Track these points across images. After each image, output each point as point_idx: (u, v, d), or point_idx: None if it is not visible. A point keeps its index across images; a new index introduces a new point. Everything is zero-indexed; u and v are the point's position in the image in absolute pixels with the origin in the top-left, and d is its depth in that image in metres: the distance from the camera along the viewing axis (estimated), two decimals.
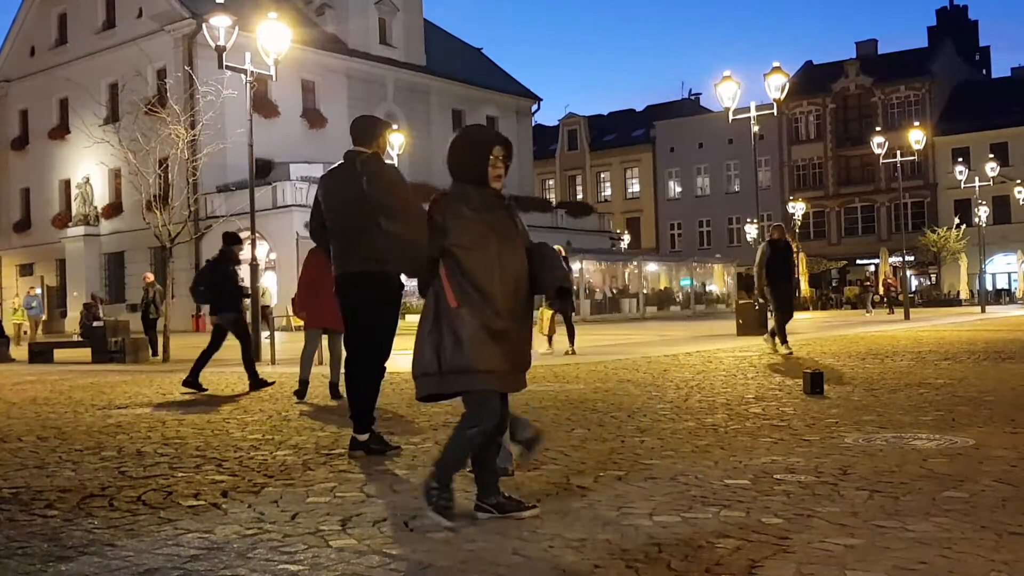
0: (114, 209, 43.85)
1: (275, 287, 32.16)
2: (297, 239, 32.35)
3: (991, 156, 48.68)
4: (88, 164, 40.27)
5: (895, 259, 46.58)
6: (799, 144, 64.81)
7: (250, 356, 10.52)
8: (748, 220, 52.36)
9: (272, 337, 15.49)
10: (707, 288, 49.14)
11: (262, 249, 29.55)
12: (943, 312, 37.73)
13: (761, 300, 17.61)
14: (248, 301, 13.46)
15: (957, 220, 55.53)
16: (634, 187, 72.20)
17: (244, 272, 12.80)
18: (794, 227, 49.94)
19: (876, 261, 53.16)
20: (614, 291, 43.50)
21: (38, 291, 32.03)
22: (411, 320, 26.63)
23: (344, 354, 6.32)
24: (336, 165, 5.90)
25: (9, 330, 26.03)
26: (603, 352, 15.54)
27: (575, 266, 37.05)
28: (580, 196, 70.71)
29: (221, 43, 16.49)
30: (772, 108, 24.75)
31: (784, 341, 13.89)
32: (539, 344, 13.41)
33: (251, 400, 9.24)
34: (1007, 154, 56.55)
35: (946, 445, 5.50)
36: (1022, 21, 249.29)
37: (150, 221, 18.41)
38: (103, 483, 4.94)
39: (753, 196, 28.37)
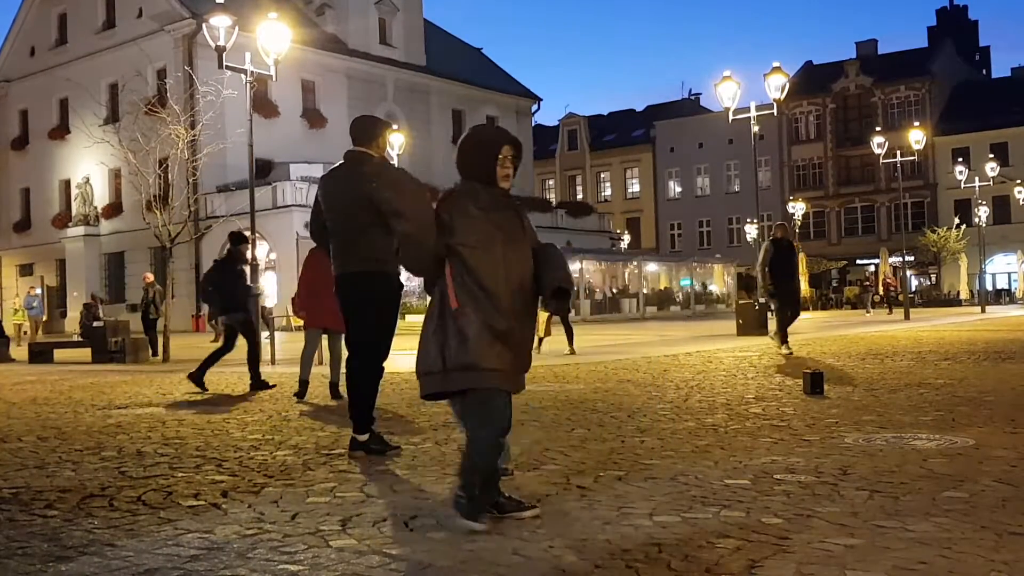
0: (114, 209, 43.87)
1: (275, 287, 32.14)
2: (297, 239, 32.35)
3: (991, 156, 48.67)
4: (88, 164, 40.29)
5: (895, 259, 46.57)
6: (799, 144, 64.82)
7: (256, 357, 10.53)
8: (748, 220, 52.35)
9: (272, 337, 15.49)
10: (707, 288, 49.14)
11: (262, 249, 29.53)
12: (943, 312, 37.73)
13: (763, 300, 17.62)
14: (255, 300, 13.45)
15: (957, 220, 55.54)
16: (634, 187, 72.22)
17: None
18: (794, 227, 49.90)
19: (876, 261, 53.16)
20: (614, 291, 43.51)
21: (38, 291, 32.04)
22: (411, 320, 26.64)
23: (345, 354, 6.32)
24: (336, 165, 5.90)
25: (9, 330, 26.04)
26: (603, 352, 15.54)
27: (575, 266, 37.08)
28: (580, 196, 70.70)
29: (221, 43, 16.49)
30: (772, 108, 24.74)
31: (784, 341, 13.89)
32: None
33: (251, 400, 9.24)
34: (1007, 154, 56.56)
35: (946, 445, 5.49)
36: (1022, 21, 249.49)
37: (150, 221, 18.42)
38: (103, 483, 4.94)
39: (753, 196, 28.35)
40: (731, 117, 23.25)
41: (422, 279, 4.00)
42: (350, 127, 5.88)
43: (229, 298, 10.43)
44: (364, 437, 5.66)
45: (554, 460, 5.29)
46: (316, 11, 47.37)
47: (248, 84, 16.85)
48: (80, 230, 44.68)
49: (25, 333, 30.17)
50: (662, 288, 46.60)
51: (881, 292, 42.17)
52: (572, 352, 14.53)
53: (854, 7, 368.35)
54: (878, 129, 45.12)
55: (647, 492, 4.38)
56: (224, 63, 16.49)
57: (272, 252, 36.01)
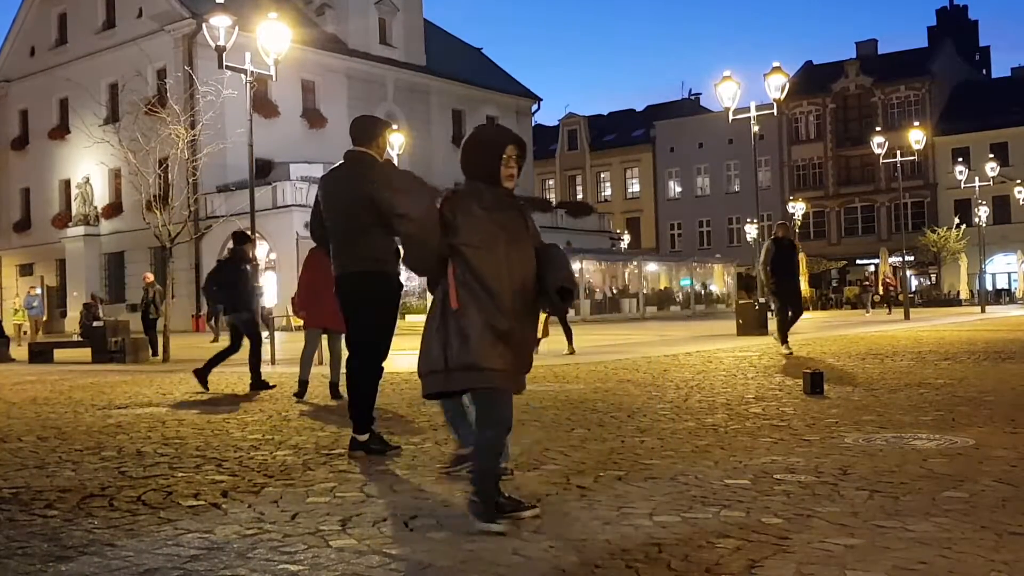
0: (114, 209, 43.88)
1: (274, 287, 32.15)
2: (297, 239, 32.35)
3: (991, 156, 48.71)
4: (88, 164, 40.30)
5: (895, 259, 46.59)
6: (799, 144, 64.84)
7: (258, 357, 10.53)
8: (748, 220, 52.36)
9: (272, 337, 15.49)
10: (707, 288, 49.14)
11: (262, 249, 29.55)
12: (943, 312, 37.74)
13: (763, 300, 17.61)
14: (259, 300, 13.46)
15: (957, 220, 55.56)
16: (634, 187, 72.23)
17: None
18: (794, 227, 49.91)
19: (876, 261, 53.17)
20: (614, 291, 43.51)
21: (38, 291, 32.04)
22: (411, 320, 26.57)
23: (345, 354, 6.32)
24: (336, 165, 5.89)
25: (9, 330, 26.04)
26: (603, 352, 15.54)
27: (575, 266, 37.06)
28: (580, 196, 70.69)
29: (221, 43, 16.49)
30: (772, 108, 24.75)
31: (784, 341, 13.89)
32: None
33: (251, 400, 9.24)
34: (1007, 154, 56.58)
35: (946, 445, 5.49)
36: (1022, 21, 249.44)
37: (150, 221, 18.42)
38: (103, 483, 4.94)
39: (753, 196, 28.36)
40: (731, 117, 23.26)
41: (425, 278, 4.00)
42: (350, 127, 5.87)
43: (234, 297, 10.43)
44: (364, 437, 5.66)
45: (554, 460, 5.29)
46: (316, 11, 47.38)
47: (248, 84, 16.85)
48: (80, 230, 44.69)
49: (25, 333, 30.18)
50: (662, 288, 46.61)
51: (881, 292, 42.19)
52: (571, 352, 14.53)
53: (854, 7, 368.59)
54: (878, 129, 45.13)
55: (647, 492, 4.38)
56: (224, 63, 16.49)
57: (272, 252, 36.03)
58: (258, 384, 10.20)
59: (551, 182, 74.49)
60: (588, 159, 72.96)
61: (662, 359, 13.43)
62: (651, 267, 47.10)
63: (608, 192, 72.70)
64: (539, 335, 14.46)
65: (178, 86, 27.42)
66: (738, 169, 65.17)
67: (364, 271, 5.64)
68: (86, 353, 17.73)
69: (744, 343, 16.78)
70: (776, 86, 22.98)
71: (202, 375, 10.23)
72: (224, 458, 5.66)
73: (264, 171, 37.97)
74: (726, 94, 23.15)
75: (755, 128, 24.09)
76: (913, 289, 52.28)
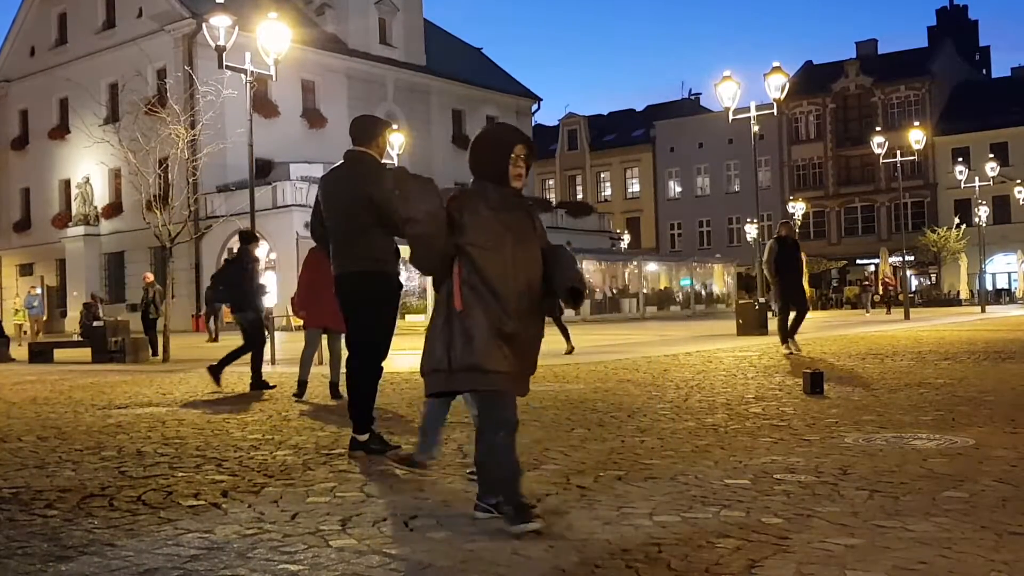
0: (114, 209, 43.89)
1: (275, 287, 32.12)
2: (297, 239, 32.37)
3: (991, 156, 48.73)
4: (88, 164, 40.30)
5: (895, 259, 46.59)
6: (799, 144, 64.83)
7: (259, 357, 10.53)
8: (748, 220, 52.35)
9: (272, 337, 15.47)
10: (707, 288, 49.15)
11: (262, 249, 29.53)
12: (943, 312, 37.75)
13: (763, 299, 17.59)
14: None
15: (957, 220, 55.57)
16: (634, 187, 72.22)
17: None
18: (794, 227, 49.91)
19: (876, 261, 53.18)
20: (614, 291, 43.51)
21: (38, 291, 32.05)
22: (411, 320, 26.48)
23: (345, 354, 6.32)
24: (336, 165, 5.89)
25: (10, 330, 26.05)
26: (603, 352, 15.54)
27: None
28: (580, 196, 70.68)
29: (221, 43, 16.49)
30: (772, 108, 24.77)
31: (784, 341, 13.89)
32: None
33: (251, 400, 9.24)
34: (1007, 154, 56.58)
35: (946, 445, 5.49)
36: (1022, 21, 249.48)
37: (150, 221, 18.42)
38: (103, 483, 4.94)
39: (753, 196, 28.36)
40: (731, 117, 23.27)
41: (426, 278, 4.00)
42: (350, 127, 5.87)
43: (239, 296, 10.43)
44: (364, 437, 5.65)
45: (554, 460, 5.28)
46: (316, 11, 47.38)
47: (248, 84, 16.85)
48: (80, 230, 44.70)
49: (25, 333, 30.19)
50: (662, 288, 46.61)
51: (880, 292, 42.20)
52: (570, 350, 14.47)
53: (854, 7, 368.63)
54: (878, 129, 45.15)
55: (647, 492, 4.38)
56: (224, 63, 16.49)
57: (272, 252, 36.02)
58: (258, 384, 10.20)
59: (551, 182, 74.48)
60: (588, 159, 72.96)
61: (662, 359, 13.43)
62: (651, 267, 47.10)
63: (608, 192, 72.69)
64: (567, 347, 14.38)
65: (178, 86, 27.42)
66: (738, 169, 65.16)
67: (364, 271, 5.64)
68: (86, 353, 17.72)
69: (744, 343, 16.78)
70: (776, 86, 22.99)
71: (216, 372, 10.23)
72: (224, 458, 5.66)
73: (264, 171, 37.97)
74: (726, 94, 23.16)
75: (755, 128, 24.11)
76: (913, 289, 52.28)
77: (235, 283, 10.44)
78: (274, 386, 10.22)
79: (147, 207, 18.30)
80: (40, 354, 18.58)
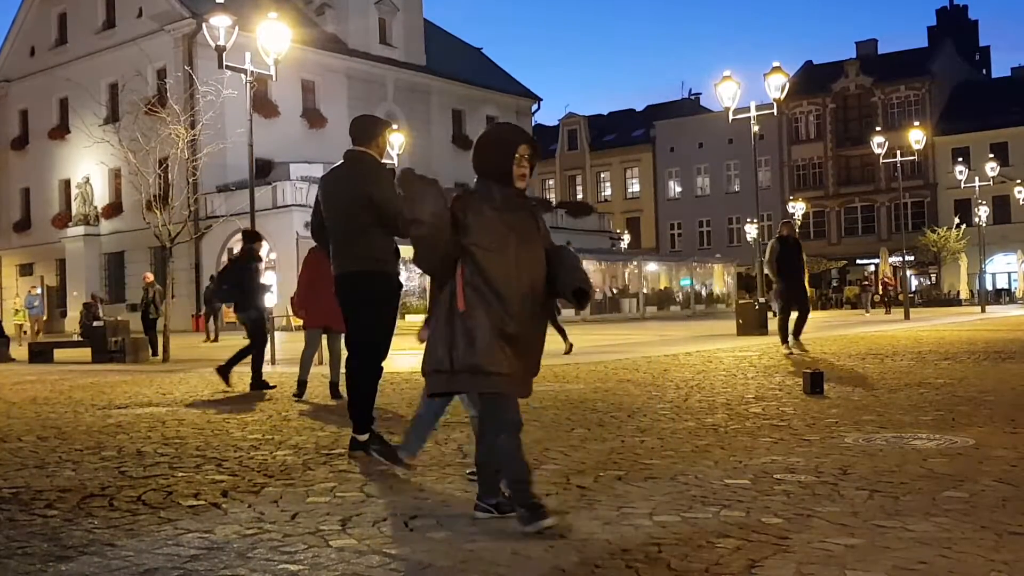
0: (114, 209, 43.88)
1: (274, 287, 32.12)
2: (297, 239, 32.36)
3: (991, 156, 48.75)
4: (88, 164, 40.30)
5: (895, 259, 46.60)
6: (799, 144, 64.84)
7: (260, 357, 10.53)
8: (748, 220, 52.35)
9: (272, 337, 15.47)
10: (707, 288, 49.15)
11: (262, 249, 29.52)
12: (943, 312, 37.74)
13: (763, 299, 17.58)
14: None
15: (957, 220, 55.59)
16: (634, 187, 72.23)
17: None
18: (794, 227, 49.91)
19: (876, 261, 53.19)
20: (614, 291, 43.53)
21: (38, 291, 32.06)
22: (411, 320, 26.45)
23: (344, 354, 6.31)
24: (336, 165, 5.89)
25: (10, 330, 26.05)
26: (603, 352, 15.53)
27: None
28: (580, 196, 70.69)
29: (221, 43, 16.50)
30: (772, 108, 24.77)
31: (784, 341, 13.89)
32: None
33: (251, 400, 9.24)
34: (1007, 154, 56.59)
35: (946, 445, 5.50)
36: (1022, 21, 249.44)
37: (150, 221, 18.42)
38: (103, 483, 4.94)
39: (753, 196, 28.36)
40: (731, 117, 23.27)
41: (427, 278, 4.00)
42: (350, 127, 5.87)
43: (243, 296, 10.43)
44: (364, 437, 5.65)
45: (554, 460, 5.29)
46: (316, 11, 47.37)
47: (248, 84, 16.85)
48: (80, 230, 44.69)
49: (25, 333, 30.19)
50: (662, 288, 46.63)
51: (880, 292, 42.21)
52: (569, 348, 14.39)
53: (854, 7, 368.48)
54: (878, 129, 45.16)
55: (647, 492, 4.38)
56: (224, 63, 16.49)
57: (272, 252, 36.00)
58: (258, 384, 10.20)
59: (551, 182, 74.49)
60: (588, 159, 72.97)
61: (662, 359, 13.43)
62: (651, 267, 47.12)
63: (608, 192, 72.69)
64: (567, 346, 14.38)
65: (178, 86, 27.43)
66: (738, 169, 65.16)
67: (364, 271, 5.64)
68: (86, 353, 17.73)
69: (744, 343, 16.77)
70: (776, 86, 22.99)
71: (224, 372, 10.23)
72: (224, 458, 5.66)
73: (264, 171, 37.96)
74: (726, 94, 23.16)
75: (755, 128, 24.10)
76: (913, 289, 52.29)
77: (239, 282, 10.44)
78: (274, 386, 10.22)
79: (147, 207, 18.30)
80: (40, 354, 18.58)
